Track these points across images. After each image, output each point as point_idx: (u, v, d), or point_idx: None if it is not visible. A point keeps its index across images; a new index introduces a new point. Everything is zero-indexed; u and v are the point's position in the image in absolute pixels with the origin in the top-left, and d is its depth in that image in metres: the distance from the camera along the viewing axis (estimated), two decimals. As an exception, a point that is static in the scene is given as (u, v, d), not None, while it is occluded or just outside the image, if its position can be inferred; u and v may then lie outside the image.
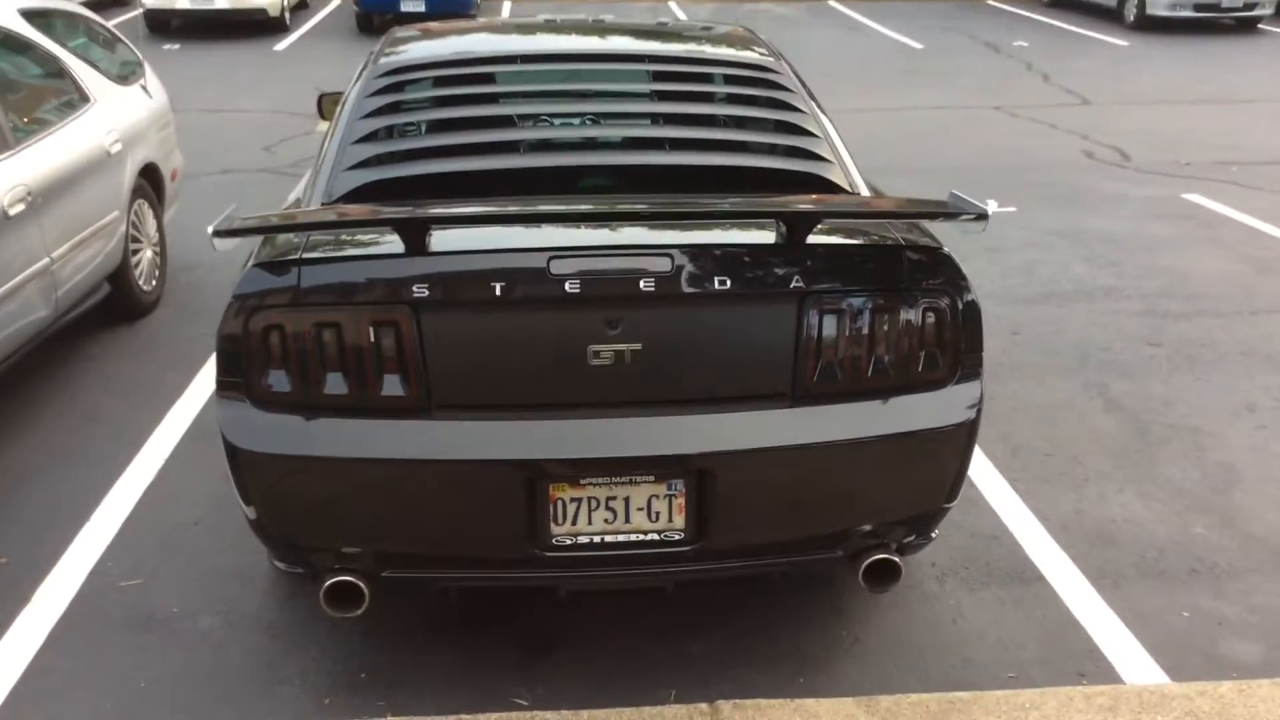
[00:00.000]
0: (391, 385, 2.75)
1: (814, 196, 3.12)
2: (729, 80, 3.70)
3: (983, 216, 2.79)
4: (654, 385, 2.79)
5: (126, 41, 6.74)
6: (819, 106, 3.62)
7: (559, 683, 3.16)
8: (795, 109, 3.53)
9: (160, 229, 6.27)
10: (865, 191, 3.32)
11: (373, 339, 2.73)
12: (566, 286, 2.71)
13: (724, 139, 3.44)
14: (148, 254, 6.03)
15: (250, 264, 2.85)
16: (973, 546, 3.79)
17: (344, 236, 2.91)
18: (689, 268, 2.75)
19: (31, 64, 5.38)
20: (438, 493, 2.78)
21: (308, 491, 2.80)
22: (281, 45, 15.12)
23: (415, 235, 2.73)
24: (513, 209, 2.85)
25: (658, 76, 3.84)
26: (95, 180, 5.32)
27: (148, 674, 3.20)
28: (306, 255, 2.81)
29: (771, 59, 3.83)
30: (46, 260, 4.77)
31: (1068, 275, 6.57)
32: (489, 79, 3.75)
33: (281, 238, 2.91)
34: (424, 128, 3.57)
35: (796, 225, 2.83)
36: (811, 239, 2.83)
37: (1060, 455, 4.46)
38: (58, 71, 5.48)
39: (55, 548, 3.82)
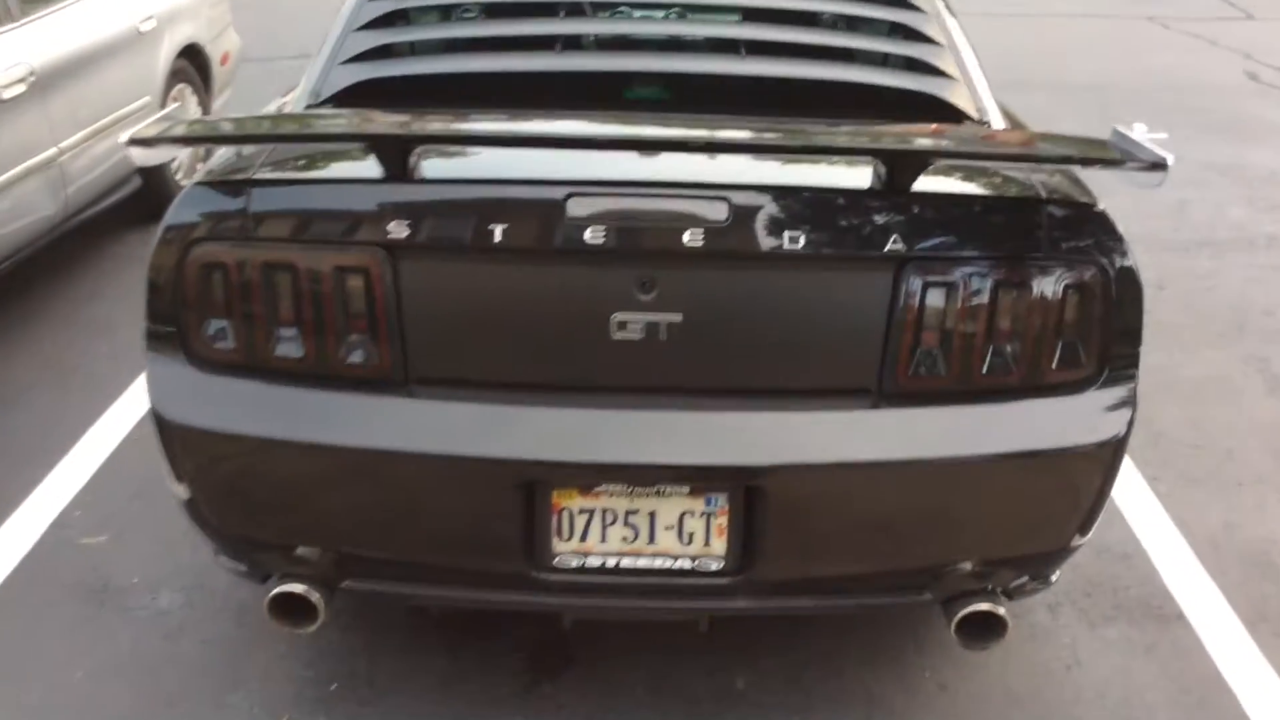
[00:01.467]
0: (358, 350, 2.13)
1: (928, 127, 2.38)
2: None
3: (1159, 165, 2.04)
4: (695, 370, 2.13)
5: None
6: (945, 6, 2.85)
7: (569, 716, 2.57)
8: (912, 6, 2.77)
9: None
10: (998, 121, 2.56)
11: (336, 289, 2.11)
12: (587, 234, 2.05)
13: (815, 43, 2.68)
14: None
15: (192, 181, 2.24)
16: (1097, 567, 3.08)
17: (311, 153, 2.28)
18: (750, 217, 2.07)
19: (53, -74, 4.79)
20: (411, 491, 2.17)
21: (251, 478, 2.22)
22: (382, -77, 14.39)
23: (394, 157, 2.09)
24: (518, 126, 2.19)
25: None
26: (120, 61, 4.77)
27: (87, 662, 2.69)
28: (260, 175, 2.18)
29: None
30: (53, 150, 4.25)
31: (1225, 219, 5.66)
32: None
33: (236, 150, 2.30)
34: (446, 14, 2.89)
35: (899, 166, 2.11)
36: (918, 185, 2.12)
37: (1211, 448, 3.68)
38: (84, -64, 4.89)
39: (23, 487, 3.34)
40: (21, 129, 4.06)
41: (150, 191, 5.15)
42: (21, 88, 4.03)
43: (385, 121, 2.18)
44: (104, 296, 4.55)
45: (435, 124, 2.16)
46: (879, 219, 2.10)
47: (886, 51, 2.69)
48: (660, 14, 2.89)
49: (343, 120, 2.29)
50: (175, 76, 5.32)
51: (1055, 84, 8.05)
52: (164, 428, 2.20)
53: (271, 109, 2.75)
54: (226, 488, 2.24)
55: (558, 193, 2.07)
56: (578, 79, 2.53)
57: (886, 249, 2.08)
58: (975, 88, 2.62)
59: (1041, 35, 9.65)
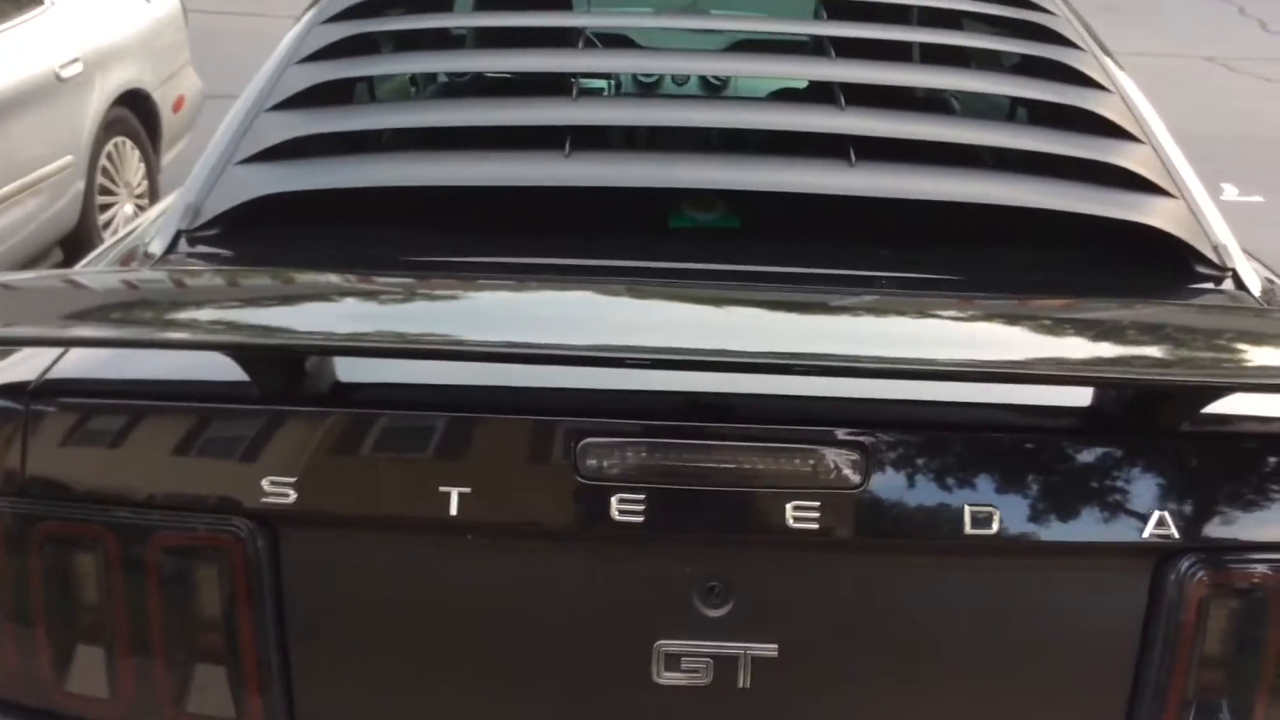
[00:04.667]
0: (207, 693, 1.23)
1: (1204, 306, 1.45)
2: (968, 27, 2.04)
3: None
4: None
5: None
6: (1131, 83, 1.95)
7: None
8: (1094, 84, 1.86)
9: (150, 174, 4.86)
10: (1246, 269, 1.64)
11: (172, 586, 1.21)
12: (614, 507, 1.15)
13: (960, 140, 1.76)
14: (127, 209, 4.63)
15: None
16: None
17: (148, 333, 1.37)
18: (900, 478, 1.17)
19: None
20: None
21: None
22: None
23: (275, 368, 1.19)
24: (491, 311, 1.26)
25: (836, 11, 2.18)
26: (31, 115, 3.91)
27: None
28: (54, 376, 1.29)
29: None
30: (-78, 230, 3.38)
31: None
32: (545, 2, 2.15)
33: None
34: (412, 82, 1.99)
35: (1163, 399, 1.20)
36: (1192, 423, 1.22)
37: None
38: (-7, -39, 4.04)
39: None
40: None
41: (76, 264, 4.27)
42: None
43: (259, 323, 1.26)
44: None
45: (347, 323, 1.24)
46: (1128, 482, 1.20)
47: (1060, 153, 1.76)
48: (718, 87, 1.98)
49: (188, 287, 1.35)
50: (110, 129, 4.45)
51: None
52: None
53: (128, 233, 1.85)
54: None
55: (563, 433, 1.17)
56: (598, 199, 1.61)
57: (1145, 534, 1.18)
58: (1197, 207, 1.71)
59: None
